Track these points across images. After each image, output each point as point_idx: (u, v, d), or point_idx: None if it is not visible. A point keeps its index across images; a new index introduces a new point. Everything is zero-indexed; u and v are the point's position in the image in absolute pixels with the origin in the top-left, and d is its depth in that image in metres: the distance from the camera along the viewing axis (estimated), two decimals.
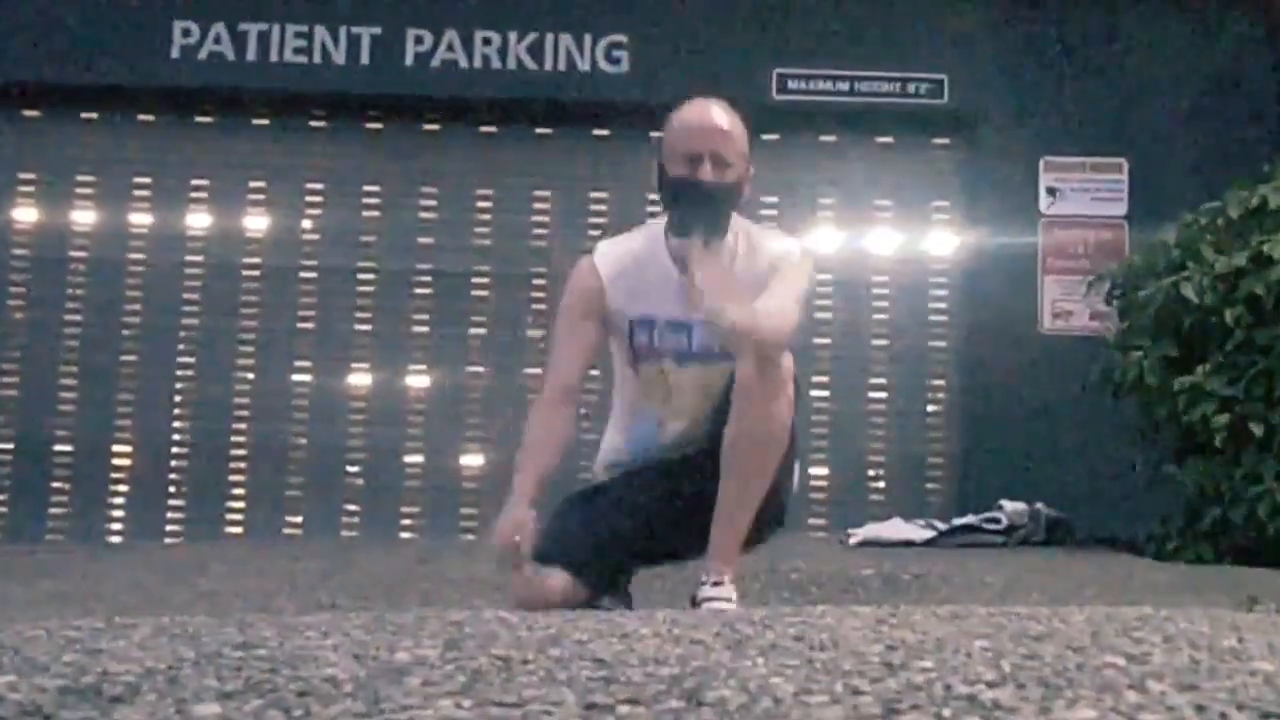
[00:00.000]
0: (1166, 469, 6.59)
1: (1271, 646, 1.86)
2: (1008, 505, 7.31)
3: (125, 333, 8.71)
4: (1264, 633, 2.05)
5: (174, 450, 8.64)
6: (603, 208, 8.74)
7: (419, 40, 8.68)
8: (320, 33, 8.67)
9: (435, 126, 8.94)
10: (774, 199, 8.60)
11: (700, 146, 3.39)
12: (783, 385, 3.28)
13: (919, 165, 8.89)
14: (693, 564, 3.49)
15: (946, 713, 1.38)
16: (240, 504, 8.60)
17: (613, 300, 3.50)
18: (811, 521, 8.46)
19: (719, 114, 3.46)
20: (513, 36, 8.69)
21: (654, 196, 3.53)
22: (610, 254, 3.58)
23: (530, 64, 8.68)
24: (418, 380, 8.77)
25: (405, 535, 8.52)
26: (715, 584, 3.31)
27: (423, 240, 8.83)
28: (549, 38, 8.69)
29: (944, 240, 8.87)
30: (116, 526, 8.56)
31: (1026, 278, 8.52)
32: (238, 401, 8.67)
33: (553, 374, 3.53)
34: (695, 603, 3.30)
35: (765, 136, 8.75)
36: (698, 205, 3.40)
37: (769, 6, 8.71)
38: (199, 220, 8.81)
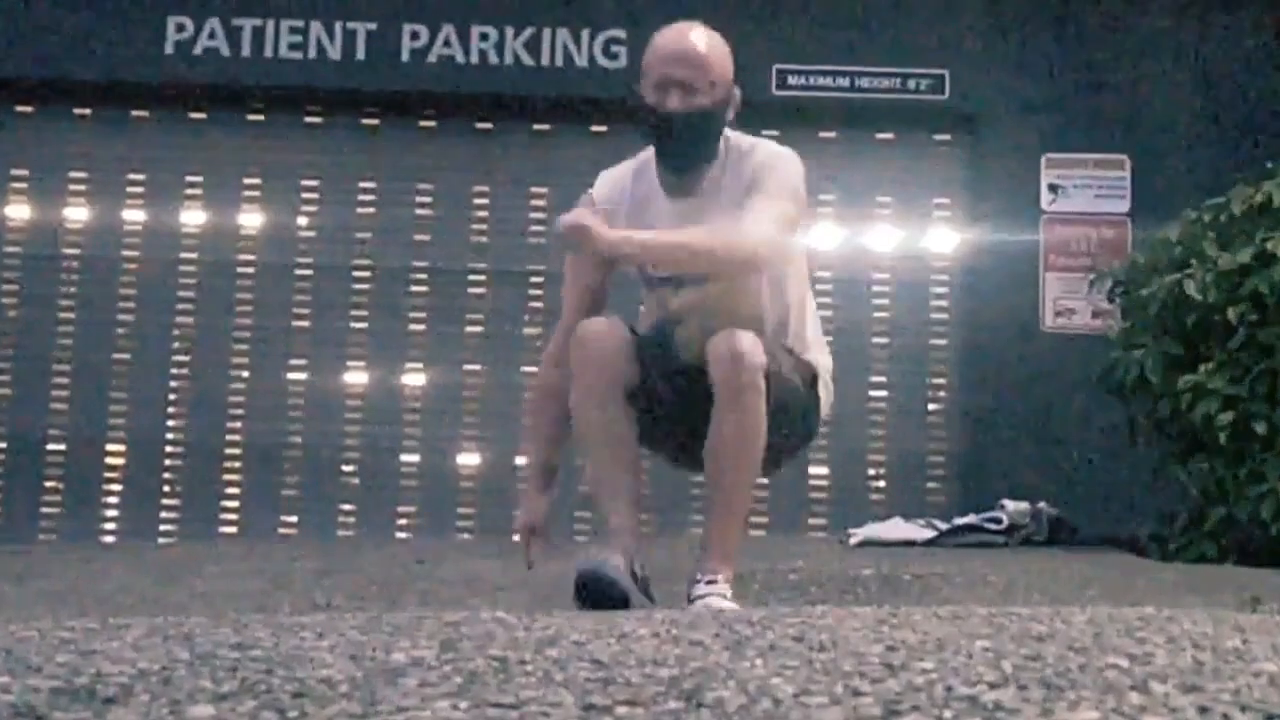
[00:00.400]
0: (1169, 468, 6.59)
1: (1275, 647, 1.86)
2: (1009, 504, 7.30)
3: (119, 330, 8.70)
4: (1268, 633, 2.05)
5: (168, 449, 8.63)
6: None
7: (415, 36, 8.68)
8: (315, 28, 8.66)
9: (431, 123, 8.93)
10: None
11: (670, 73, 3.46)
12: (753, 380, 3.27)
13: (920, 162, 8.88)
14: (690, 563, 3.50)
15: (948, 714, 1.39)
16: (235, 503, 8.59)
17: (611, 221, 3.52)
18: (811, 521, 8.46)
19: (694, 39, 3.52)
20: (510, 31, 8.68)
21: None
22: (606, 183, 3.70)
23: (527, 59, 8.68)
24: (414, 378, 8.76)
25: (401, 535, 8.51)
26: (709, 582, 3.32)
27: (419, 237, 8.82)
28: (546, 33, 8.69)
29: (945, 237, 8.86)
30: (110, 526, 8.56)
31: (1028, 275, 8.52)
32: (232, 400, 8.67)
33: (563, 317, 3.66)
34: (690, 600, 3.31)
35: (765, 133, 8.74)
36: (665, 136, 3.50)
37: (769, 1, 8.71)
38: (193, 217, 8.80)
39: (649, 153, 3.64)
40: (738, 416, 3.27)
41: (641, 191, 3.60)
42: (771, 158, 3.54)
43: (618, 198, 3.61)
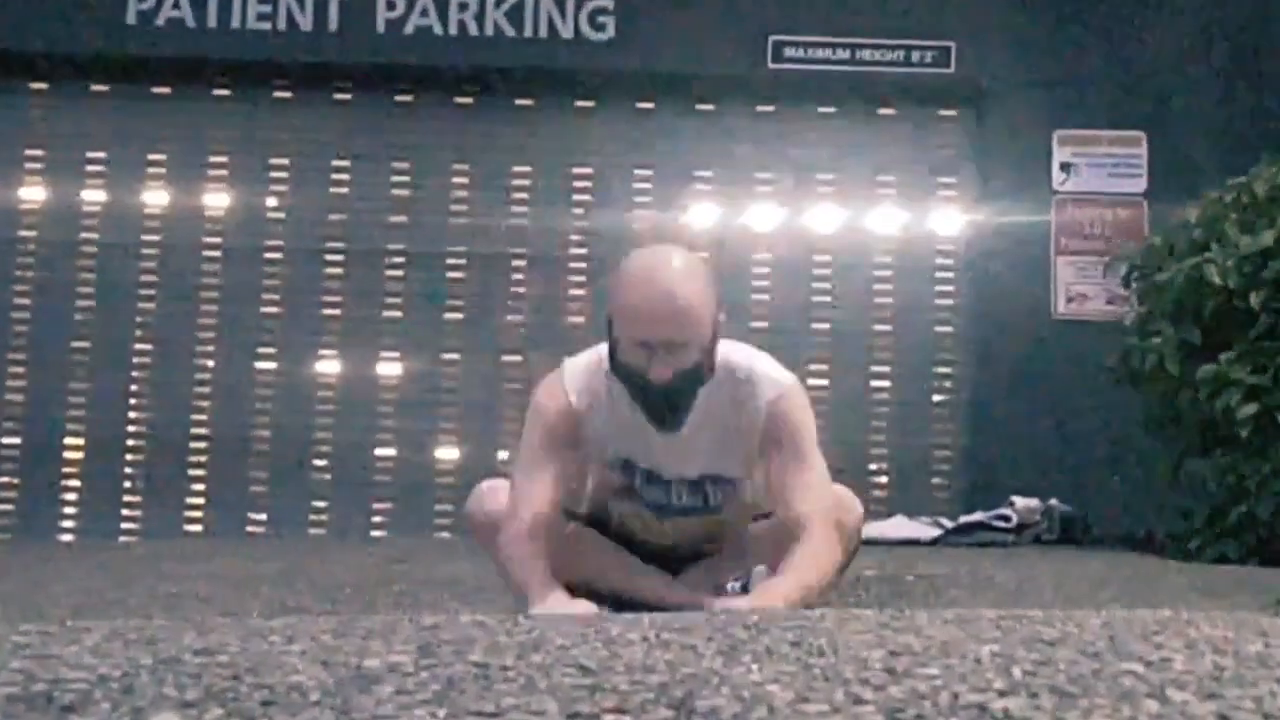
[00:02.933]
0: (1188, 463, 6.60)
1: None
2: (1018, 501, 7.32)
3: (78, 318, 8.68)
4: None
5: (130, 443, 8.62)
6: (586, 184, 8.73)
7: (390, 5, 8.65)
8: None
9: (408, 97, 8.91)
10: (769, 175, 8.61)
11: (651, 336, 3.17)
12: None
13: (924, 139, 8.89)
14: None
15: None
16: (200, 500, 8.59)
17: (587, 427, 3.40)
18: None
19: (671, 285, 3.18)
20: (490, 1, 8.67)
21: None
22: (580, 376, 3.42)
23: (509, 30, 8.66)
24: (389, 368, 8.75)
25: (376, 533, 8.51)
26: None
27: (395, 219, 8.81)
28: (529, 2, 8.66)
29: (951, 219, 8.87)
30: (68, 524, 8.55)
31: (1038, 259, 8.53)
32: (198, 391, 8.65)
33: (521, 505, 3.29)
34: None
35: (760, 108, 8.75)
36: (651, 402, 3.27)
37: None
38: (156, 197, 8.79)
39: None
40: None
41: (621, 408, 3.35)
42: (791, 411, 3.38)
43: (593, 401, 3.39)
